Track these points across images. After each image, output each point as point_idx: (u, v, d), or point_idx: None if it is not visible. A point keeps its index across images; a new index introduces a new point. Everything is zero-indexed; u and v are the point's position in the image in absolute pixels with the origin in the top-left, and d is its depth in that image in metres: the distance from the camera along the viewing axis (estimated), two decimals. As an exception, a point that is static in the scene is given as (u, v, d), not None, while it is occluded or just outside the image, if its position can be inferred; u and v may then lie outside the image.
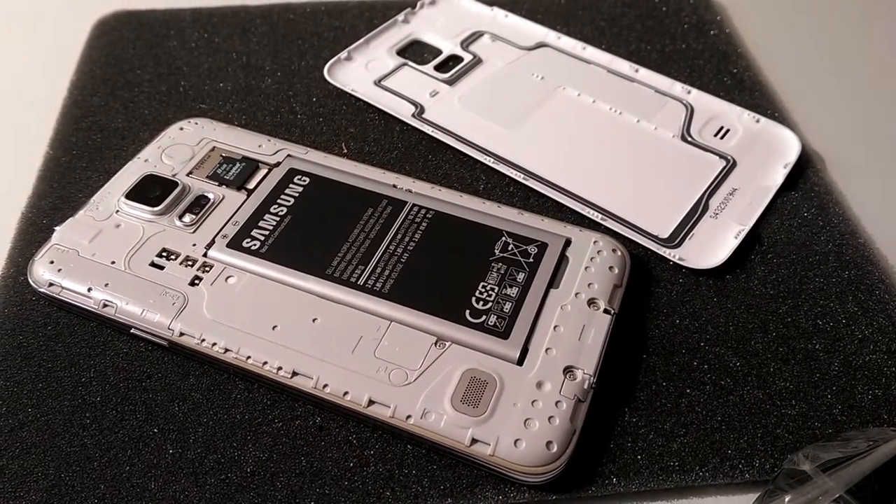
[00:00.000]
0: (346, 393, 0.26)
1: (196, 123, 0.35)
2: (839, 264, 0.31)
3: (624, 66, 0.40)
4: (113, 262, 0.29)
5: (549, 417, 0.25)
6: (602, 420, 0.26)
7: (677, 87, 0.39)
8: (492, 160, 0.35)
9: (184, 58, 0.41)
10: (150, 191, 0.31)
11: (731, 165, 0.35)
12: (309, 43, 0.42)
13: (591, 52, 0.41)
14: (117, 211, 0.31)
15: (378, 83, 0.39)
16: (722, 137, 0.36)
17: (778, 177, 0.34)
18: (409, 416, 0.25)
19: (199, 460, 0.25)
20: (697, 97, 0.38)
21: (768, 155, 0.36)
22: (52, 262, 0.29)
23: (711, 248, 0.32)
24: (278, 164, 0.33)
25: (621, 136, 0.36)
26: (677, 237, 0.32)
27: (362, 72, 0.39)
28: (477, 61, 0.40)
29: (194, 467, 0.25)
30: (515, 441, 0.24)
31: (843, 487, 0.22)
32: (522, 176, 0.34)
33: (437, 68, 0.40)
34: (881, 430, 0.24)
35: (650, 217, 0.33)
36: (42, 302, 0.30)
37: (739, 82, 0.40)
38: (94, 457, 0.25)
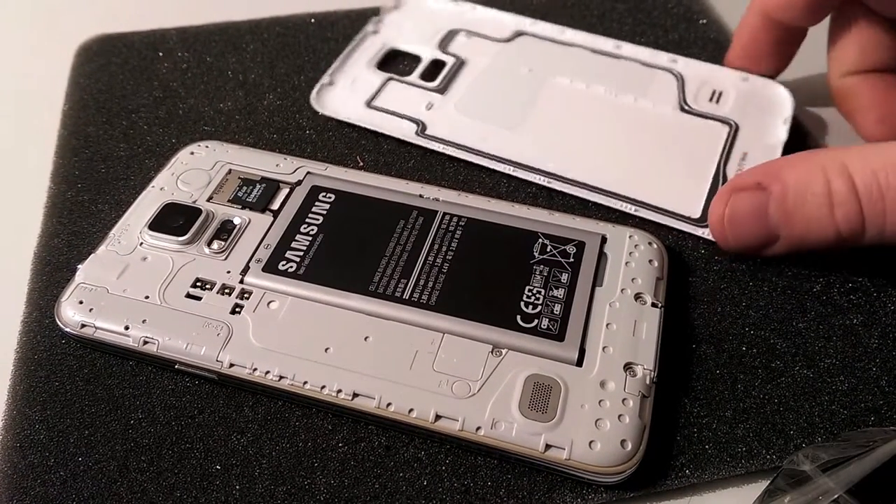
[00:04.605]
0: (411, 410, 0.25)
1: (207, 146, 0.34)
2: (860, 239, 0.32)
3: (607, 44, 0.40)
4: (147, 297, 0.28)
5: (619, 416, 0.25)
6: (665, 413, 0.27)
7: (662, 58, 0.39)
8: (511, 168, 0.34)
9: (177, 79, 0.39)
10: (173, 220, 0.30)
11: (734, 130, 0.35)
12: (304, 57, 0.41)
13: (571, 35, 0.41)
14: (141, 243, 0.30)
15: (370, 104, 0.37)
16: (717, 102, 0.37)
17: (781, 133, 0.35)
18: (478, 428, 0.25)
19: (269, 494, 0.25)
20: (684, 65, 0.39)
21: (765, 112, 0.36)
22: (81, 303, 0.28)
23: None
24: (300, 182, 0.32)
25: (624, 118, 0.36)
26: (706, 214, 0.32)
27: (349, 94, 0.38)
28: (460, 63, 0.39)
29: (265, 501, 0.24)
30: (590, 443, 0.24)
31: (843, 487, 0.22)
32: (545, 179, 0.34)
33: (424, 77, 0.38)
34: (881, 430, 0.24)
35: (677, 198, 0.33)
36: (73, 344, 0.28)
37: (735, 69, 0.41)
38: (157, 501, 0.24)
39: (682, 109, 0.36)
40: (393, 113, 0.37)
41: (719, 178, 0.33)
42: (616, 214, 0.33)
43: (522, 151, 0.35)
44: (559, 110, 0.37)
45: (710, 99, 0.37)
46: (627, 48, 0.40)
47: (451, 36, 0.41)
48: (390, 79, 0.38)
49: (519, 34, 0.41)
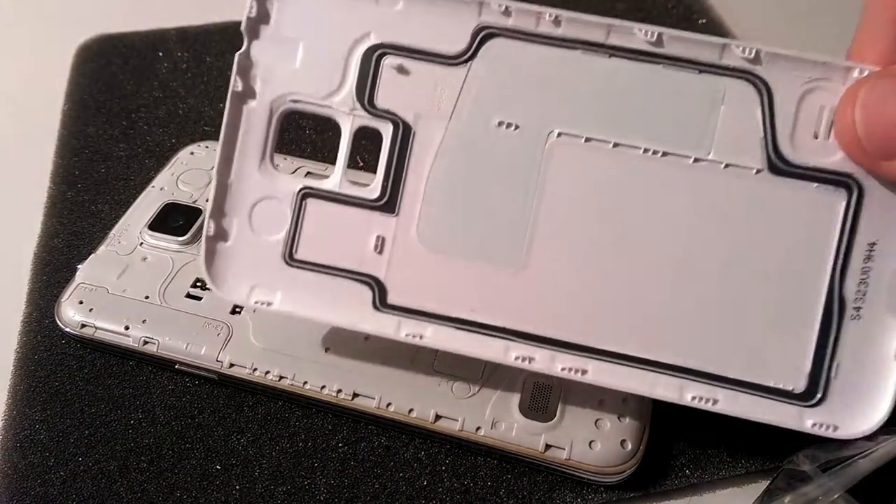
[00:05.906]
0: (411, 410, 0.25)
1: (207, 147, 0.34)
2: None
3: (636, 36, 0.22)
4: (147, 297, 0.28)
5: (619, 416, 0.25)
6: (665, 413, 0.26)
7: (733, 52, 0.21)
8: (522, 352, 0.23)
9: (178, 79, 0.39)
10: (173, 220, 0.30)
11: (857, 194, 0.21)
12: (304, 56, 0.41)
13: (567, 27, 0.22)
14: (141, 243, 0.30)
15: (290, 260, 0.24)
16: (829, 132, 0.21)
17: None
18: (478, 428, 0.25)
19: (269, 494, 0.25)
20: (769, 61, 0.21)
21: None
22: (81, 303, 0.28)
23: (866, 388, 0.22)
24: (299, 182, 0.32)
25: (678, 210, 0.22)
26: (818, 382, 0.22)
27: (254, 249, 0.24)
28: (404, 134, 0.23)
29: (265, 501, 0.24)
30: (590, 443, 0.24)
31: (843, 487, 0.22)
32: (574, 367, 0.23)
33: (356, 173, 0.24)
34: (881, 430, 0.24)
35: (768, 360, 0.22)
36: (73, 344, 0.28)
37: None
38: (157, 501, 0.24)
39: (773, 167, 0.22)
40: (329, 270, 0.24)
41: (832, 306, 0.22)
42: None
43: (529, 311, 0.23)
44: (575, 220, 0.23)
45: (817, 129, 0.21)
46: (669, 37, 0.22)
47: (370, 64, 0.23)
48: (306, 193, 0.24)
49: (484, 31, 0.22)
